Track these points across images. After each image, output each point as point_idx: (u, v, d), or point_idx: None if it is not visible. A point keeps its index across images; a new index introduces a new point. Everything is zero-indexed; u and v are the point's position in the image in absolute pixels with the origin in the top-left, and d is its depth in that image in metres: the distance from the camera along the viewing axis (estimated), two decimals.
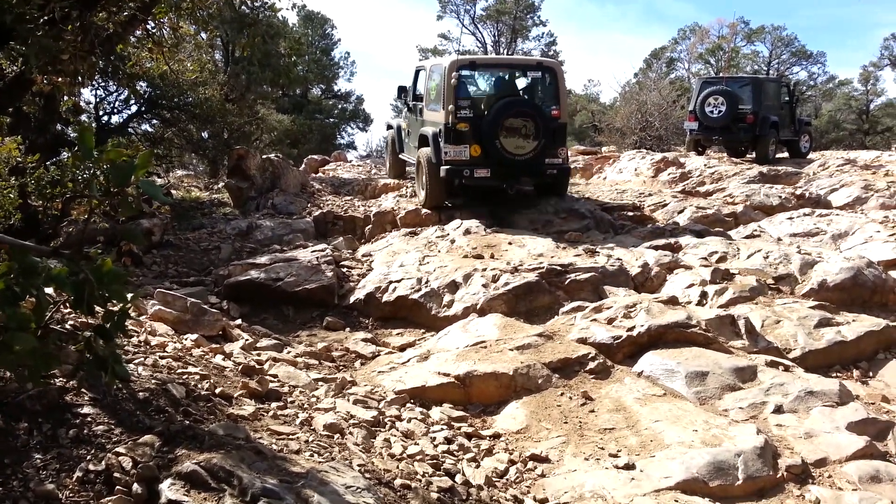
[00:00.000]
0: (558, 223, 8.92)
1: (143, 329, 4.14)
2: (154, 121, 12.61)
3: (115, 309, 2.23)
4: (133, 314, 4.46)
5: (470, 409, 4.40)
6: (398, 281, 6.61)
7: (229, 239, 8.68)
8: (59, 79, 5.22)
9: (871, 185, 10.87)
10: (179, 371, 3.40)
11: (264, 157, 11.42)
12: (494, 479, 3.52)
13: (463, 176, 8.88)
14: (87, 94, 11.66)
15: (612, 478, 3.51)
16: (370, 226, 9.31)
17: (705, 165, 13.06)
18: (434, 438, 3.79)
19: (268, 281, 6.58)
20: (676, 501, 3.31)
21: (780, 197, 10.53)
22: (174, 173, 14.75)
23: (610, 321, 5.37)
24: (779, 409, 4.27)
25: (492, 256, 7.18)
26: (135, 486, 2.24)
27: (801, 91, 30.60)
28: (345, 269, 7.25)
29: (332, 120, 34.76)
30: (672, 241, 7.90)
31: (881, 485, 3.53)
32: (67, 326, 3.10)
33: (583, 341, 5.11)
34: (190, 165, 16.51)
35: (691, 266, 6.90)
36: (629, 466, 3.62)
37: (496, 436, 4.08)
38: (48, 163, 6.74)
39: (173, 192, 11.63)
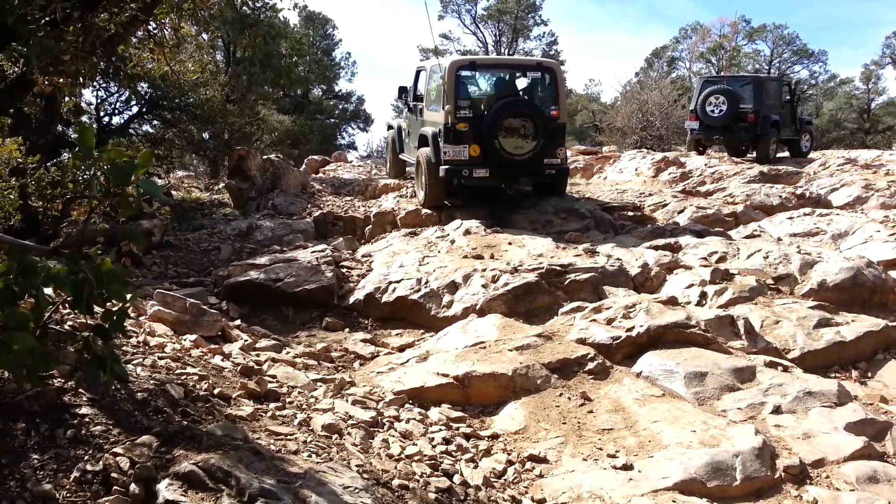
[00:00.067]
0: (558, 223, 8.93)
1: (141, 329, 4.15)
2: (155, 122, 12.63)
3: (114, 309, 2.23)
4: (132, 315, 4.47)
5: (468, 409, 4.41)
6: (398, 281, 6.62)
7: (229, 239, 8.69)
8: (61, 80, 5.23)
9: (871, 184, 10.87)
10: (178, 371, 3.41)
11: (265, 157, 11.43)
12: (492, 480, 3.52)
13: (462, 176, 8.92)
14: (88, 95, 11.69)
15: (611, 478, 3.52)
16: (370, 226, 9.32)
17: (706, 165, 13.06)
18: (432, 439, 3.80)
19: (267, 281, 6.59)
20: (674, 502, 3.32)
21: (781, 196, 10.53)
22: (175, 174, 14.76)
23: (609, 321, 5.37)
24: (777, 410, 4.27)
25: (491, 257, 7.19)
26: (132, 486, 2.25)
27: (802, 90, 30.56)
28: (344, 270, 7.26)
29: (332, 120, 34.77)
30: (672, 241, 7.90)
31: (879, 485, 3.53)
32: (66, 327, 3.11)
33: (582, 342, 5.11)
34: (190, 166, 16.53)
35: (691, 266, 6.90)
36: (627, 467, 3.62)
37: (494, 436, 4.08)
38: (49, 164, 6.76)
39: (174, 192, 11.65)
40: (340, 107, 36.50)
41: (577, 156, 15.56)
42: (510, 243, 7.58)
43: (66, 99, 7.97)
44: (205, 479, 2.33)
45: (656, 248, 7.53)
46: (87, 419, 2.53)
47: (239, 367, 3.99)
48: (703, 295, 6.24)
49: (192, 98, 11.91)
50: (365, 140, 51.12)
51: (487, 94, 10.13)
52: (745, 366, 4.76)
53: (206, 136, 13.11)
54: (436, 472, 3.33)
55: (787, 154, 15.56)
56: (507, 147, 8.88)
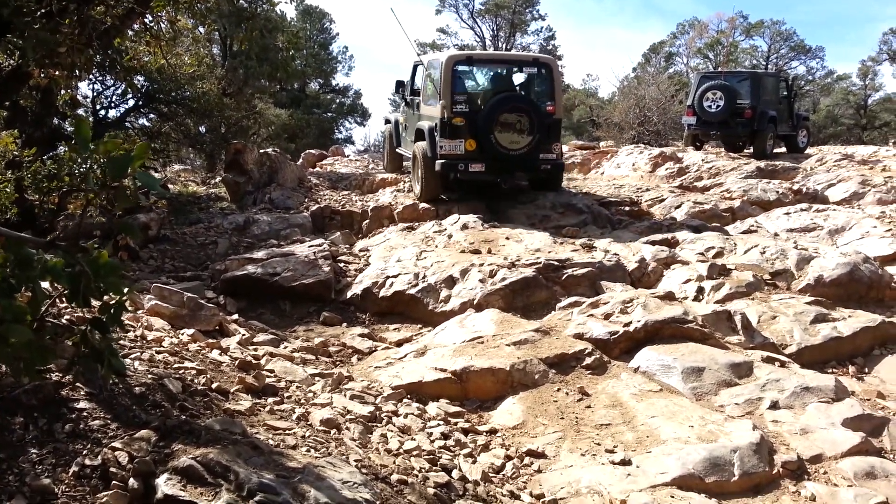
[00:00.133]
0: (555, 218, 8.93)
1: (139, 324, 4.13)
2: (151, 115, 12.60)
3: (112, 302, 2.22)
4: (129, 308, 4.45)
5: (467, 404, 4.41)
6: (395, 276, 6.61)
7: (226, 234, 8.67)
8: (57, 72, 5.21)
9: (868, 180, 10.89)
10: (176, 366, 3.40)
11: (262, 151, 11.40)
12: (491, 475, 3.52)
13: (458, 170, 8.97)
14: (84, 88, 11.65)
15: (609, 473, 3.52)
16: (367, 221, 9.31)
17: (703, 160, 13.06)
18: (431, 434, 3.80)
19: (265, 276, 6.58)
20: (672, 497, 3.32)
21: (778, 192, 10.53)
22: (171, 168, 14.72)
23: (607, 316, 5.37)
24: (775, 405, 4.28)
25: (489, 251, 7.18)
26: (131, 480, 2.24)
27: (799, 86, 30.57)
28: (342, 264, 7.25)
29: (329, 114, 34.70)
30: (669, 236, 7.91)
31: (876, 481, 3.54)
32: (64, 321, 3.10)
33: (579, 336, 5.11)
34: (187, 160, 16.49)
35: (688, 261, 6.91)
36: (625, 462, 3.62)
37: (493, 431, 4.08)
38: (45, 157, 6.72)
39: (170, 186, 11.61)
40: (337, 101, 36.43)
41: (574, 151, 15.56)
42: (507, 238, 7.58)
43: (63, 92, 7.92)
44: (203, 474, 2.32)
45: (653, 243, 7.54)
46: (85, 413, 2.52)
47: (237, 362, 3.98)
48: (701, 290, 6.24)
49: (188, 91, 11.87)
50: (362, 134, 51.08)
51: (484, 89, 10.14)
52: (742, 361, 4.76)
53: (202, 129, 13.07)
54: (434, 467, 3.33)
55: (783, 150, 15.58)
56: (503, 142, 8.91)
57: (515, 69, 10.05)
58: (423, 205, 9.27)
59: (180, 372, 3.30)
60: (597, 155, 15.00)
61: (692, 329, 5.14)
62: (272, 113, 19.96)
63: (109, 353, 2.23)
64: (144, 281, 6.24)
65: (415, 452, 3.43)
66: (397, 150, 11.81)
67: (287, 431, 3.02)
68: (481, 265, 6.52)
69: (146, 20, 6.09)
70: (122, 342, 3.40)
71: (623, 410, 4.20)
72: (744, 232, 8.77)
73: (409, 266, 6.78)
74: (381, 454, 3.28)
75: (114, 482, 2.22)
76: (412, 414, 4.01)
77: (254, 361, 4.15)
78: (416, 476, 3.11)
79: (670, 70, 35.52)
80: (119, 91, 12.04)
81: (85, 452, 2.32)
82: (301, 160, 14.79)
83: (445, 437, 3.81)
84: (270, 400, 3.51)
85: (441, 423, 3.99)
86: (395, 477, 2.94)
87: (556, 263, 6.53)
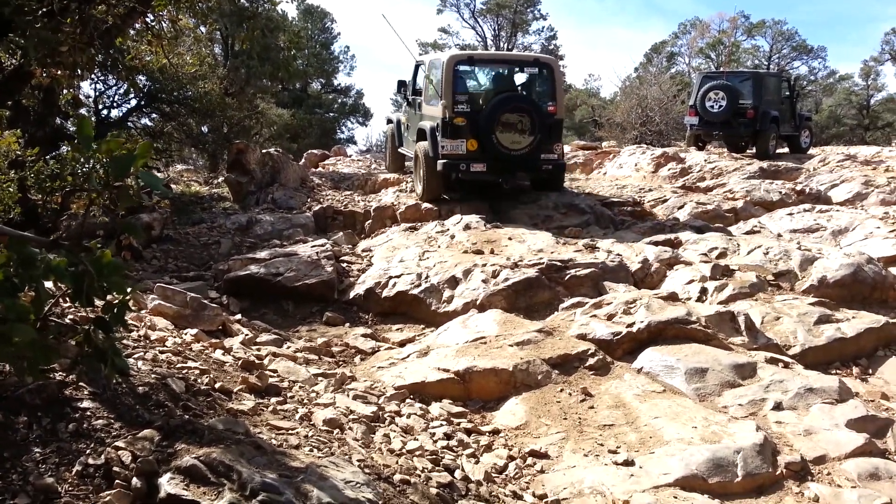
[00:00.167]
0: (558, 218, 8.93)
1: (142, 324, 4.13)
2: (153, 115, 12.61)
3: (115, 301, 2.22)
4: (133, 308, 4.45)
5: (469, 404, 4.40)
6: (398, 276, 6.60)
7: (229, 234, 8.67)
8: (59, 71, 5.21)
9: (871, 180, 10.86)
10: (179, 366, 3.40)
11: (264, 151, 11.40)
12: (494, 475, 3.52)
13: (459, 170, 9.00)
14: (86, 87, 11.66)
15: (612, 474, 3.51)
16: (370, 221, 9.31)
17: (705, 161, 13.05)
18: (433, 434, 3.80)
19: (267, 276, 6.58)
20: (675, 498, 3.31)
21: (781, 192, 10.52)
22: (174, 167, 14.72)
23: (610, 317, 5.36)
24: (778, 406, 4.27)
25: (491, 252, 7.18)
26: (134, 480, 2.24)
27: (801, 86, 30.53)
28: (344, 265, 7.25)
29: (331, 114, 34.72)
30: (672, 236, 7.90)
31: (880, 482, 3.53)
32: (67, 320, 3.10)
33: (582, 337, 5.11)
34: (189, 160, 16.49)
35: (691, 262, 6.89)
36: (628, 463, 3.62)
37: (495, 431, 4.07)
38: (48, 157, 6.73)
39: (173, 186, 11.61)
40: (339, 101, 36.45)
41: (576, 151, 15.56)
42: (510, 238, 7.57)
43: (65, 91, 7.93)
44: (206, 474, 2.32)
45: (656, 243, 7.53)
46: (88, 413, 2.52)
47: (240, 362, 3.98)
48: (704, 291, 6.23)
49: (190, 91, 11.87)
50: (364, 134, 51.09)
51: (485, 89, 10.15)
52: (745, 362, 4.75)
53: (204, 129, 13.08)
54: (437, 467, 3.32)
55: (786, 150, 15.56)
56: (504, 142, 8.94)
57: (517, 69, 10.06)
58: (425, 205, 9.28)
59: (183, 372, 3.30)
60: (599, 155, 14.99)
61: (695, 330, 5.13)
62: (274, 113, 19.98)
63: (113, 352, 2.23)
64: (148, 281, 6.24)
65: (417, 452, 3.43)
66: (399, 149, 11.83)
67: (290, 431, 3.01)
68: (484, 265, 6.51)
69: (148, 19, 6.09)
70: (125, 342, 3.40)
71: (626, 411, 4.19)
72: (747, 232, 8.76)
73: (411, 266, 6.78)
74: (384, 454, 3.28)
75: (117, 481, 2.22)
76: (415, 414, 4.00)
77: (257, 361, 4.15)
78: (419, 476, 3.11)
79: (672, 70, 35.50)
80: (121, 91, 12.06)
81: (88, 452, 2.32)
82: (303, 160, 14.79)
83: (448, 437, 3.80)
84: (273, 400, 3.51)
85: (444, 423, 3.98)
86: (397, 477, 2.94)
87: (558, 264, 6.53)
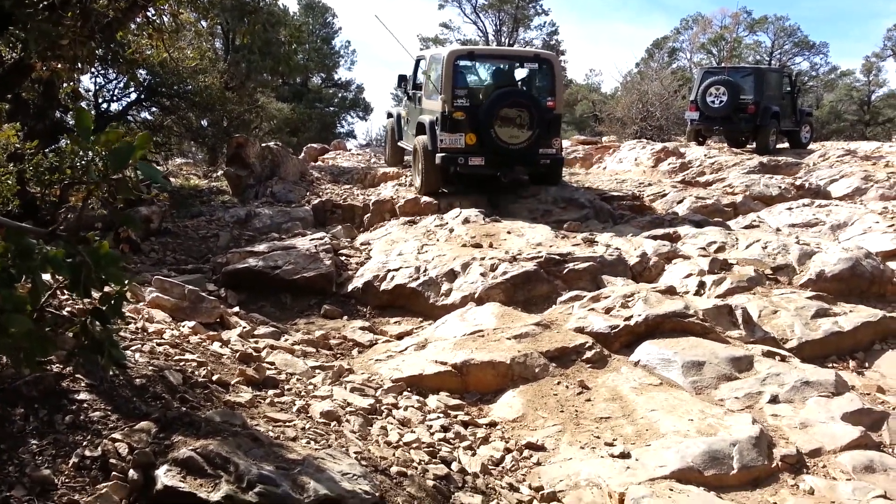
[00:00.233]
0: (557, 212, 8.93)
1: (140, 316, 4.14)
2: (153, 108, 12.58)
3: (112, 292, 2.22)
4: (130, 300, 4.46)
5: (467, 397, 4.42)
6: (396, 269, 6.61)
7: (228, 227, 8.67)
8: (59, 65, 5.20)
9: (870, 175, 10.85)
10: (177, 358, 3.41)
11: (264, 145, 11.39)
12: (490, 467, 3.53)
13: (458, 163, 9.05)
14: (86, 81, 11.64)
15: (608, 466, 3.52)
16: (369, 214, 9.32)
17: (705, 156, 13.04)
18: (430, 426, 3.81)
19: (266, 269, 6.58)
20: (671, 490, 3.32)
21: (780, 187, 10.52)
22: (173, 161, 14.72)
23: (607, 310, 5.37)
24: (774, 400, 4.28)
25: (490, 245, 7.18)
26: (131, 471, 2.25)
27: (802, 81, 30.49)
28: (343, 258, 7.25)
29: (331, 109, 34.67)
30: (671, 230, 7.90)
31: (875, 475, 3.54)
32: (65, 313, 3.10)
33: (580, 330, 5.11)
34: (189, 153, 16.49)
35: (690, 256, 6.90)
36: (624, 455, 3.63)
37: (492, 424, 4.09)
38: (47, 150, 6.72)
39: (172, 179, 11.61)
40: (339, 95, 36.39)
41: (576, 145, 15.54)
42: (509, 232, 7.58)
43: (65, 85, 7.92)
44: (203, 465, 2.33)
45: (655, 237, 7.53)
46: (85, 405, 2.53)
47: (237, 354, 3.99)
48: (702, 284, 6.24)
49: (190, 85, 11.85)
50: (364, 129, 51.01)
51: (485, 83, 10.17)
52: (742, 355, 4.76)
53: (204, 123, 13.06)
54: (434, 460, 3.33)
55: (786, 145, 15.54)
56: (503, 136, 8.98)
57: (517, 64, 10.08)
58: (424, 199, 9.29)
59: (181, 364, 3.31)
60: (599, 150, 14.98)
61: (693, 323, 5.14)
62: (274, 107, 19.95)
63: (109, 343, 2.23)
64: (146, 273, 6.25)
65: (414, 445, 3.44)
66: (399, 143, 11.85)
67: (287, 423, 3.02)
68: (482, 259, 6.52)
69: (148, 13, 6.08)
70: (123, 334, 3.41)
71: (623, 404, 4.20)
72: (746, 227, 8.76)
73: (410, 260, 6.78)
74: (381, 446, 3.29)
75: (114, 473, 2.23)
76: (412, 406, 4.01)
77: (254, 354, 4.16)
78: (416, 468, 3.12)
79: (673, 65, 35.47)
80: (121, 84, 12.03)
81: (85, 444, 2.33)
82: (303, 154, 14.76)
83: (445, 429, 3.81)
84: (271, 392, 3.52)
85: (441, 415, 3.99)
86: (394, 469, 2.95)
87: (557, 258, 6.53)
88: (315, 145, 16.51)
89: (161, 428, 2.50)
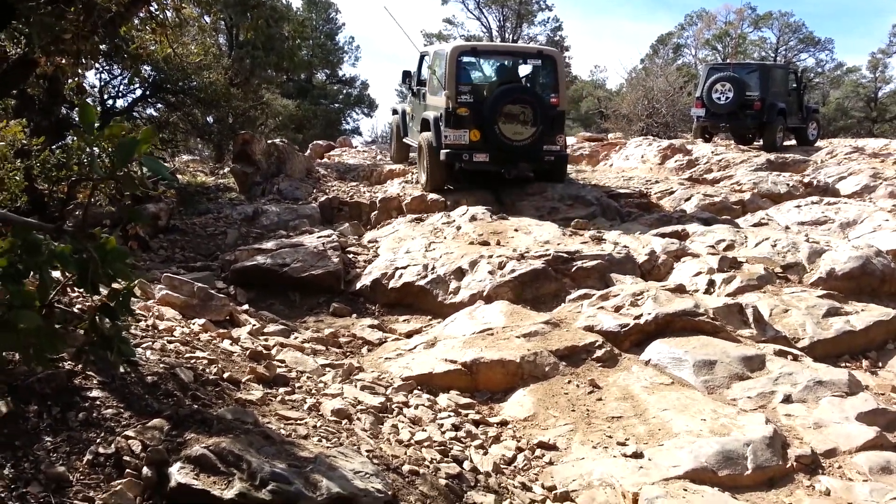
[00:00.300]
0: (564, 210, 8.91)
1: (150, 313, 4.12)
2: (159, 105, 12.59)
3: (120, 288, 2.20)
4: (139, 296, 4.45)
5: (477, 396, 4.39)
6: (404, 267, 6.59)
7: (235, 224, 8.67)
8: (62, 60, 5.18)
9: (879, 173, 10.80)
10: (187, 355, 3.39)
11: (269, 142, 11.38)
12: (502, 466, 3.51)
13: (462, 160, 9.06)
14: (91, 77, 11.64)
15: (621, 466, 3.50)
16: (376, 212, 9.30)
17: (712, 153, 12.99)
18: (441, 425, 3.78)
19: (274, 266, 6.57)
20: (685, 490, 3.30)
21: (788, 185, 10.47)
22: (180, 158, 14.72)
23: (617, 309, 5.34)
24: (787, 399, 4.25)
25: (498, 243, 7.15)
26: (144, 469, 2.24)
27: (808, 78, 30.32)
28: (351, 255, 7.24)
29: (336, 105, 34.66)
30: (679, 228, 7.87)
31: (892, 476, 3.50)
32: (75, 310, 3.09)
33: (590, 329, 5.09)
34: (195, 150, 16.49)
35: (699, 254, 6.86)
36: (637, 455, 3.60)
37: (503, 423, 4.07)
38: (54, 146, 6.71)
39: (179, 176, 11.60)
40: (344, 91, 36.37)
41: (582, 143, 15.50)
42: (516, 230, 7.55)
43: (69, 81, 7.91)
44: (216, 463, 2.32)
45: (663, 235, 7.50)
46: (98, 402, 2.51)
47: (248, 352, 3.97)
48: (712, 283, 6.21)
49: (195, 81, 11.84)
50: (369, 125, 50.98)
51: (489, 80, 10.16)
52: (754, 354, 4.73)
53: (210, 119, 13.07)
54: (445, 458, 3.31)
55: (793, 142, 15.48)
56: (507, 133, 8.99)
57: (520, 61, 10.07)
58: (431, 196, 9.27)
59: (192, 361, 3.29)
60: (605, 147, 14.94)
61: (703, 322, 5.11)
62: (279, 103, 19.92)
63: (118, 339, 2.21)
64: (155, 271, 6.24)
65: (426, 443, 3.42)
66: (404, 140, 11.85)
67: (298, 421, 3.00)
68: (490, 257, 6.49)
69: (151, 8, 6.05)
70: (133, 331, 3.39)
71: (634, 403, 4.18)
72: (754, 225, 8.72)
73: (417, 257, 6.76)
74: (393, 445, 3.27)
75: (127, 470, 2.22)
76: (423, 405, 3.99)
77: (265, 351, 4.14)
78: (428, 467, 3.10)
79: (678, 61, 35.39)
80: (126, 80, 12.03)
81: (98, 441, 2.32)
82: (309, 151, 14.76)
83: (456, 428, 3.79)
84: (281, 390, 3.50)
85: (452, 414, 3.97)
86: (406, 468, 2.93)
87: (565, 255, 6.50)
88: (321, 142, 16.50)
89: (173, 425, 2.49)
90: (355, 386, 4.00)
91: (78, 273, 2.04)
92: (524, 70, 10.15)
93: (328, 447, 2.76)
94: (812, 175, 11.24)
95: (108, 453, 2.27)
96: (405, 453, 3.18)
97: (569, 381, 4.46)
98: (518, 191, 9.53)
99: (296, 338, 5.08)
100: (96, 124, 2.05)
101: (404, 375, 4.42)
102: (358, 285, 6.57)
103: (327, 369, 4.24)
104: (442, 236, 7.55)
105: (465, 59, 9.62)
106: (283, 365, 4.00)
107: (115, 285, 2.17)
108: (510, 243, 7.13)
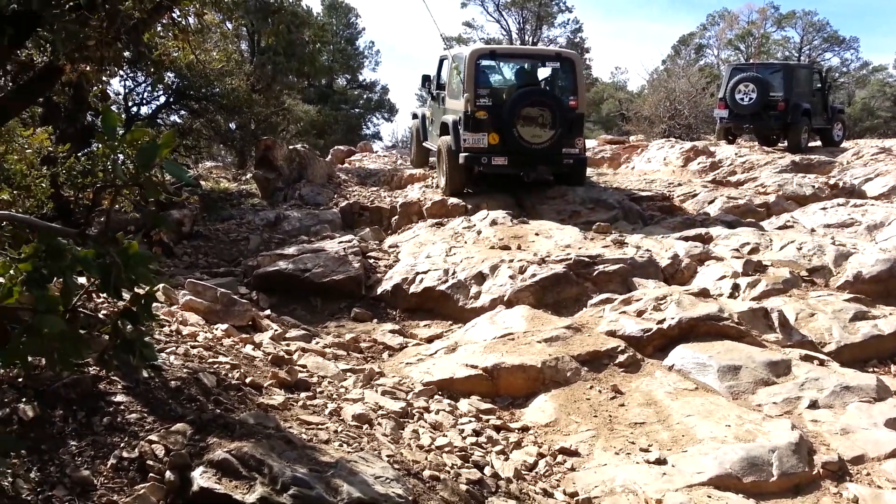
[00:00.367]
0: (585, 213, 8.85)
1: (174, 319, 4.17)
2: (182, 112, 12.72)
3: (143, 292, 2.22)
4: (163, 301, 4.50)
5: (498, 401, 4.38)
6: (425, 272, 6.59)
7: (258, 230, 8.73)
8: (87, 67, 5.26)
9: None
10: (210, 360, 3.42)
11: (291, 147, 11.46)
12: (524, 472, 3.49)
13: (481, 163, 9.06)
14: (116, 84, 11.80)
15: (644, 472, 3.46)
16: (396, 216, 9.32)
17: (736, 154, 12.85)
18: (462, 430, 3.78)
19: (296, 272, 6.61)
20: (709, 497, 3.26)
21: (814, 187, 10.31)
22: (203, 164, 14.88)
23: (639, 313, 5.29)
24: (814, 405, 4.18)
25: (518, 247, 7.13)
26: (167, 473, 2.26)
27: (833, 78, 29.90)
28: (372, 261, 7.26)
29: (357, 110, 34.83)
30: (703, 231, 7.79)
31: None
32: (100, 316, 3.13)
33: (612, 334, 5.05)
34: (218, 156, 16.66)
35: (723, 257, 6.79)
36: (661, 461, 3.56)
37: (525, 429, 4.04)
38: (79, 153, 6.82)
39: (202, 183, 11.72)
40: (365, 96, 36.55)
41: (603, 145, 15.41)
42: (537, 234, 7.52)
43: (94, 88, 8.03)
44: (238, 467, 2.33)
45: (687, 238, 7.43)
46: (122, 407, 2.55)
47: (270, 357, 4.00)
48: (736, 287, 6.13)
49: (217, 88, 11.96)
50: (390, 130, 51.10)
51: (508, 83, 10.14)
52: (780, 359, 4.66)
53: (232, 126, 13.19)
54: (466, 464, 3.30)
55: (818, 143, 15.25)
56: (526, 136, 8.98)
57: (539, 63, 10.05)
58: (451, 200, 9.27)
59: (215, 366, 3.32)
60: (627, 149, 14.84)
61: (728, 326, 5.05)
62: (301, 109, 20.06)
63: (141, 344, 2.23)
64: (179, 277, 6.30)
65: (447, 449, 3.41)
66: (424, 144, 11.87)
67: (320, 426, 3.02)
68: (511, 261, 6.47)
69: (174, 15, 6.13)
70: (157, 336, 3.43)
71: (657, 409, 4.13)
72: (779, 227, 8.59)
73: (438, 262, 6.76)
74: (413, 450, 3.27)
75: (151, 474, 2.25)
76: (443, 410, 3.99)
77: (286, 356, 4.16)
78: (449, 472, 3.09)
79: (701, 62, 35.07)
80: (150, 87, 12.18)
81: (122, 445, 2.35)
82: (329, 156, 14.83)
83: (477, 433, 3.78)
84: (303, 395, 3.52)
85: (472, 419, 3.96)
86: (427, 473, 2.93)
87: (586, 259, 6.46)
88: (342, 147, 16.57)
89: (196, 430, 2.51)
90: (376, 391, 4.01)
91: (101, 277, 2.06)
92: (543, 73, 10.12)
93: (349, 452, 2.77)
94: (838, 176, 11.07)
95: (132, 457, 2.30)
96: (426, 458, 3.18)
97: (591, 387, 4.43)
98: (539, 194, 9.50)
99: (317, 343, 5.10)
100: (120, 131, 2.07)
101: (425, 380, 4.41)
102: (379, 290, 6.59)
103: (348, 374, 4.25)
104: (462, 241, 7.54)
105: (484, 62, 9.63)
106: (304, 370, 4.02)
107: (137, 290, 2.20)
108: (531, 247, 7.10)
